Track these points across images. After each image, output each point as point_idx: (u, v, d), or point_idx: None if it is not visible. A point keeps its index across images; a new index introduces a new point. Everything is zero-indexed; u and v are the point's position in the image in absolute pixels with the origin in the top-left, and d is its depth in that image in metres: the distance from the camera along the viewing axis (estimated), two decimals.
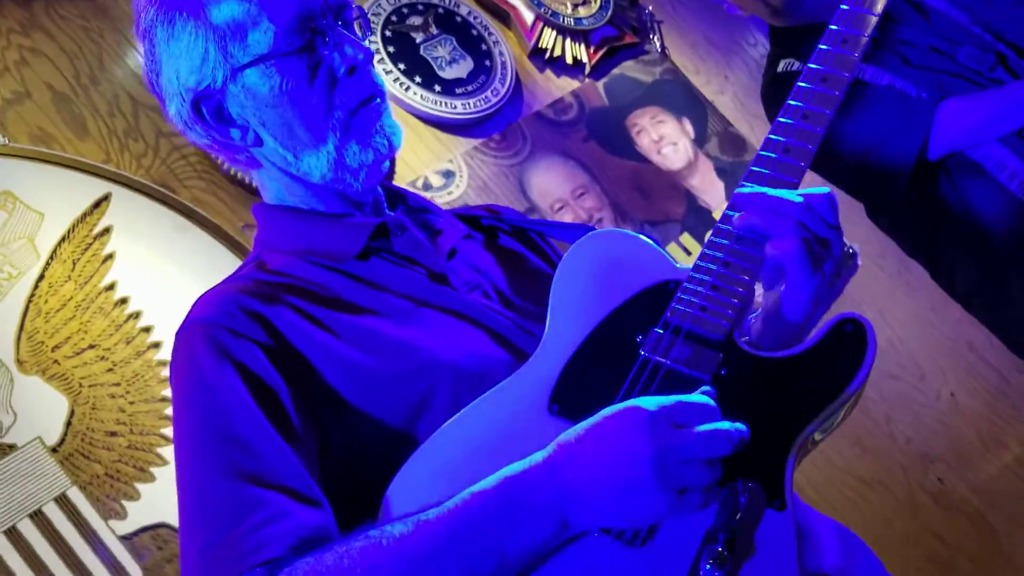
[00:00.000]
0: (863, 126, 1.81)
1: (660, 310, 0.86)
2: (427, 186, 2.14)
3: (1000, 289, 1.81)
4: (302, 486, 0.81)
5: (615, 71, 2.63)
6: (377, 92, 0.99)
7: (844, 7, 1.06)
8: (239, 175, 1.86)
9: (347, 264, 0.97)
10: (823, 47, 1.00)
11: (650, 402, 0.76)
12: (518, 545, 0.74)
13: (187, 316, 0.93)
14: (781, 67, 1.91)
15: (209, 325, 0.88)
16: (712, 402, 0.78)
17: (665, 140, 2.58)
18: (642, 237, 0.93)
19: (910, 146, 1.75)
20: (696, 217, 2.49)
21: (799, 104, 0.95)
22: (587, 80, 2.57)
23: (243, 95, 0.95)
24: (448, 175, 2.19)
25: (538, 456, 0.77)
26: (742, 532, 0.67)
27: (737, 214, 0.87)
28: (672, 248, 2.38)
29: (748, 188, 0.89)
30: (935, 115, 1.71)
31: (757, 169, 0.91)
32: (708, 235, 0.90)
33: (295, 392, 0.85)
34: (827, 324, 0.84)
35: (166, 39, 0.95)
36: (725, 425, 0.76)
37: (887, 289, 2.68)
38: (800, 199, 0.85)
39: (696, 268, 0.87)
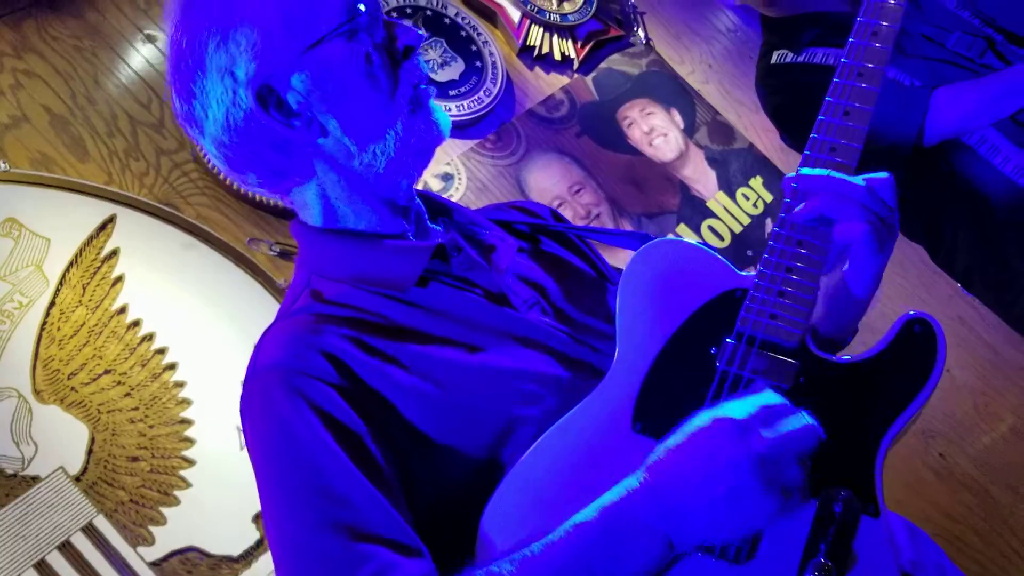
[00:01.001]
0: None
1: (730, 320, 0.87)
2: (427, 190, 2.13)
3: (1000, 268, 1.84)
4: (403, 536, 0.79)
5: (603, 65, 2.63)
6: (426, 77, 0.99)
7: None
8: (243, 189, 1.84)
9: (407, 292, 0.94)
10: (853, 40, 0.99)
11: (735, 409, 0.77)
12: (627, 573, 0.74)
13: (255, 360, 0.90)
14: (775, 58, 1.92)
15: (283, 370, 0.85)
16: (787, 400, 0.79)
17: (656, 131, 2.59)
18: (699, 244, 0.93)
19: (907, 133, 1.78)
20: (691, 207, 2.50)
21: (839, 101, 0.95)
22: (576, 75, 2.57)
23: (308, 80, 0.92)
24: (447, 178, 2.18)
25: (632, 481, 0.77)
26: (842, 541, 0.68)
27: (799, 205, 0.87)
28: None
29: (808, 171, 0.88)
30: (929, 102, 1.73)
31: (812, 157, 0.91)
32: (768, 241, 0.90)
33: (376, 433, 0.84)
34: (895, 326, 0.85)
35: (221, 28, 0.90)
36: (807, 420, 0.78)
37: (886, 270, 2.72)
38: (863, 182, 0.86)
39: (760, 275, 0.88)
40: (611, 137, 2.50)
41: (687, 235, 2.43)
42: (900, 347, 0.84)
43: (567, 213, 2.29)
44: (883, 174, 0.88)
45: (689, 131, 2.64)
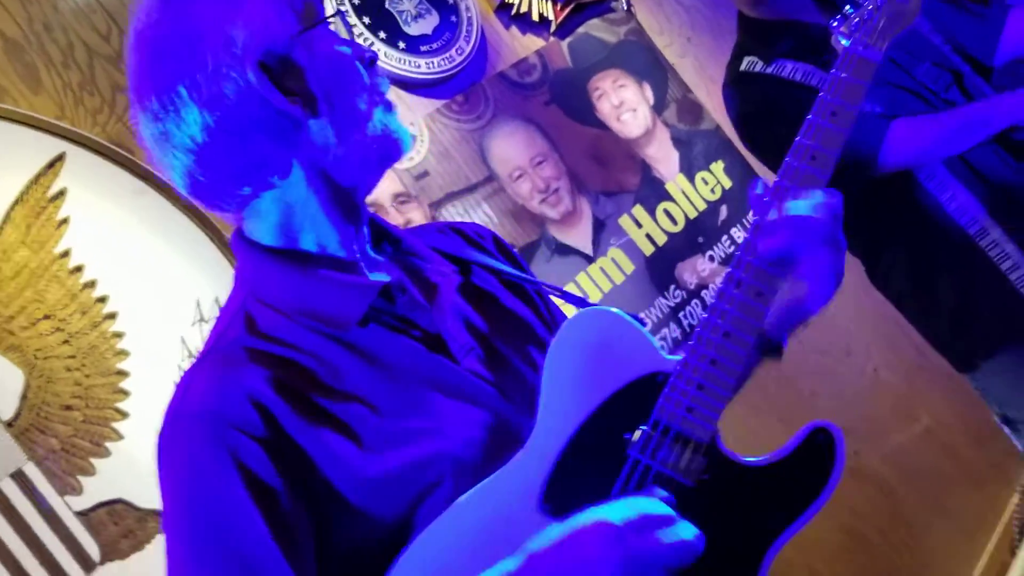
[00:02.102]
0: None
1: (647, 405, 0.90)
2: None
3: (930, 301, 1.90)
4: None
5: (580, 30, 2.59)
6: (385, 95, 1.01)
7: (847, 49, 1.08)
8: None
9: (347, 332, 0.94)
10: (823, 96, 1.02)
11: (616, 514, 0.81)
12: None
13: (181, 400, 0.90)
14: (744, 65, 1.91)
15: (210, 420, 0.85)
16: (671, 511, 0.84)
17: (625, 106, 2.58)
18: (631, 320, 0.96)
19: (860, 160, 1.80)
20: (649, 188, 2.52)
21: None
22: (552, 39, 2.54)
23: (303, 61, 0.93)
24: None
25: (510, 564, 0.81)
26: None
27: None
28: (624, 220, 2.42)
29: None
30: (886, 133, 1.75)
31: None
32: (696, 329, 0.93)
33: (294, 491, 0.85)
34: (801, 433, 0.89)
35: (219, 7, 0.91)
36: (688, 534, 0.82)
37: None
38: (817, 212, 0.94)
39: (684, 364, 0.91)
40: (580, 108, 2.49)
41: (642, 217, 2.45)
42: (802, 455, 0.88)
43: (526, 185, 2.29)
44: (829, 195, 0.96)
45: (658, 108, 2.64)
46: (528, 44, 2.49)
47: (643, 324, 0.96)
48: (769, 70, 1.83)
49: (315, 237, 0.98)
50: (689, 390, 0.89)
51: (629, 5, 2.73)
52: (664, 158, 2.58)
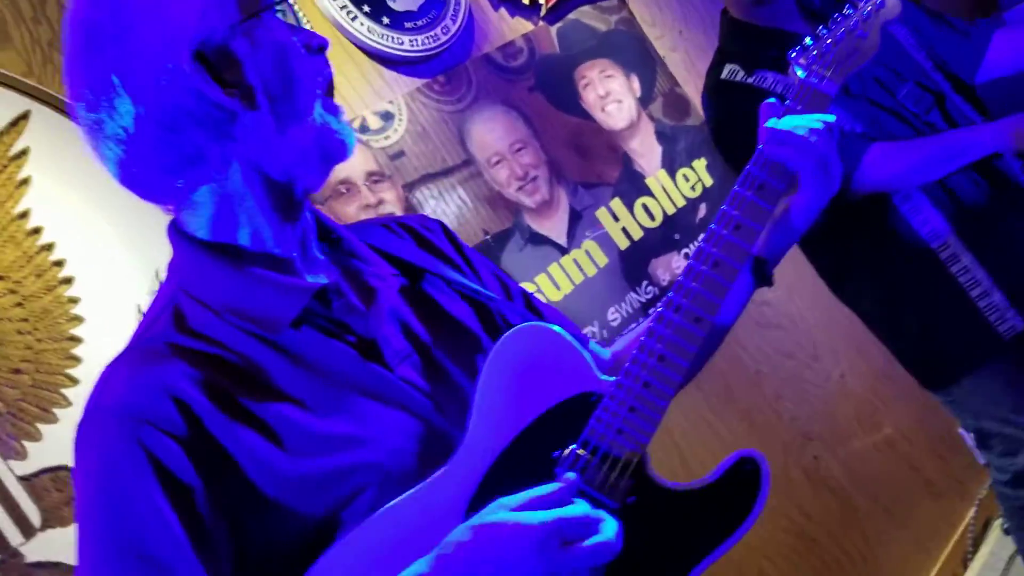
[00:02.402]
0: None
1: (578, 425, 0.89)
2: (364, 128, 2.08)
3: (895, 322, 1.90)
4: None
5: (571, 16, 2.56)
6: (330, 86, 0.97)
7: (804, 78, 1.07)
8: None
9: (278, 334, 0.91)
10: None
11: (535, 519, 0.80)
12: None
13: (100, 395, 0.87)
14: (725, 73, 1.89)
15: (127, 416, 0.83)
16: (589, 510, 0.83)
17: (611, 97, 2.56)
18: (569, 338, 0.94)
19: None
20: (629, 183, 2.50)
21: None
22: (541, 24, 2.51)
23: (241, 51, 0.90)
24: (387, 117, 2.14)
25: (422, 565, 0.80)
26: None
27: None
28: (601, 213, 2.40)
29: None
30: (864, 155, 1.73)
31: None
32: (632, 351, 0.92)
33: (212, 490, 0.84)
34: (729, 460, 0.89)
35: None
36: (607, 535, 0.81)
37: (799, 266, 2.78)
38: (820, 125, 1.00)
39: (618, 385, 0.90)
40: (564, 96, 2.46)
41: (620, 211, 2.44)
42: (727, 482, 0.88)
43: (504, 172, 2.27)
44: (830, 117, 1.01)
45: (645, 101, 2.62)
46: (516, 27, 2.46)
47: (585, 343, 0.94)
48: (750, 80, 1.81)
49: (251, 232, 0.95)
50: (621, 412, 0.89)
51: None
52: (647, 152, 2.56)
